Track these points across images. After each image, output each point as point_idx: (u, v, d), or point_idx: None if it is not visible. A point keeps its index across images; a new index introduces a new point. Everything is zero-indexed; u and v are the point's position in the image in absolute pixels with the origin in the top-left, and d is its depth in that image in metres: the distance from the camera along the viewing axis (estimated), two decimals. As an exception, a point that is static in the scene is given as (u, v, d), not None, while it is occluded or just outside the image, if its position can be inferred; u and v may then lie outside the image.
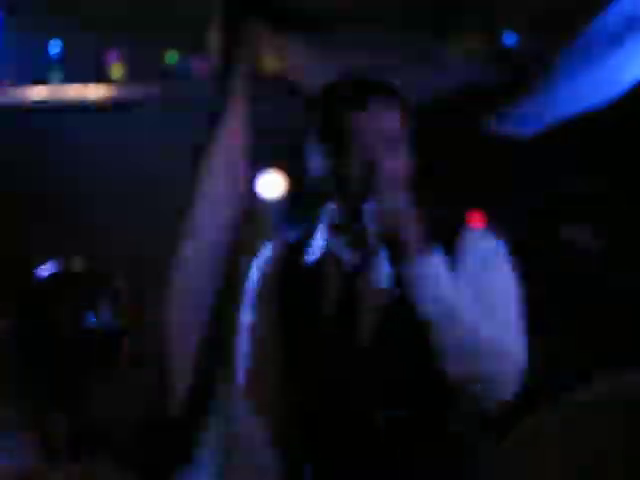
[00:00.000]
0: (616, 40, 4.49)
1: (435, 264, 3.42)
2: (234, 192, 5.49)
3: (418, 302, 3.39)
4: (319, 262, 3.56)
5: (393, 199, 3.37)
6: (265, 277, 3.71)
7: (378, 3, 5.66)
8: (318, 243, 3.58)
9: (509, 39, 5.45)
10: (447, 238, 3.57)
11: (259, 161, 5.75)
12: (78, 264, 5.45)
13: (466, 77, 4.87)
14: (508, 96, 4.73)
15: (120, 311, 5.55)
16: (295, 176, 5.78)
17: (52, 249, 6.46)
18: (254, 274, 3.75)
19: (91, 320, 5.35)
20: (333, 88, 3.53)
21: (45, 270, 5.42)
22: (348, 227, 3.48)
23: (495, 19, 5.52)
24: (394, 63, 5.01)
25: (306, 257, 3.61)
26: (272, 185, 5.71)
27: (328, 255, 3.52)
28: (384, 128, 3.40)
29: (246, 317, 3.76)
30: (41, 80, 6.87)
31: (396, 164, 3.44)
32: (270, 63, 5.55)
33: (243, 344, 3.75)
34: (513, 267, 3.64)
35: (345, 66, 5.20)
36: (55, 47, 6.89)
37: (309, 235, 3.62)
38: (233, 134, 5.47)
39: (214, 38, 5.53)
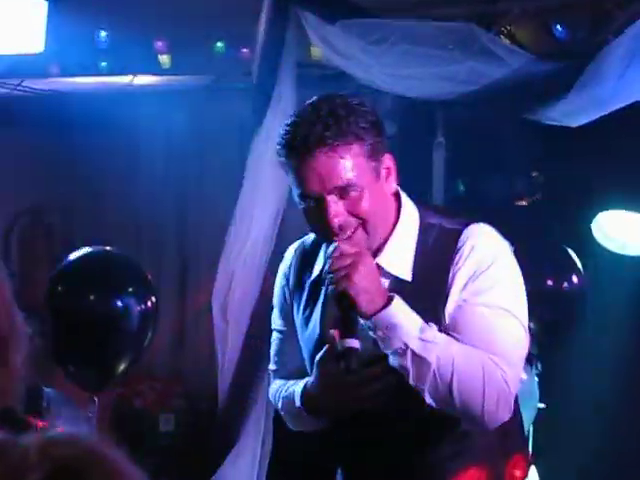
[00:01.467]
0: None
1: (393, 314, 3.44)
2: (280, 176, 5.51)
3: (384, 351, 3.45)
4: (317, 282, 3.66)
5: (343, 249, 3.43)
6: (282, 289, 3.88)
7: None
8: (320, 260, 3.70)
9: (561, 30, 5.44)
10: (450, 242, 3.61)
11: None
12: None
13: (518, 68, 4.87)
14: (559, 88, 4.73)
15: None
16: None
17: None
18: (278, 281, 3.92)
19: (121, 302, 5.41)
20: (288, 132, 3.45)
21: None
22: None
23: (545, 14, 5.53)
24: (448, 53, 5.03)
25: (308, 272, 3.75)
26: None
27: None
28: (332, 175, 3.39)
29: (273, 323, 3.96)
30: (88, 72, 6.92)
31: (353, 208, 3.47)
32: (317, 51, 5.63)
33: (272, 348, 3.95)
34: (512, 274, 3.66)
35: (394, 58, 5.26)
36: (98, 38, 6.94)
37: (318, 246, 3.72)
38: (278, 121, 5.47)
39: (263, 27, 5.52)
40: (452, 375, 3.42)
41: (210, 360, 5.69)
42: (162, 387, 7.32)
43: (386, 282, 3.59)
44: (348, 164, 3.42)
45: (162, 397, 7.12)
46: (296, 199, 3.54)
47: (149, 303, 5.42)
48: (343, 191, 3.43)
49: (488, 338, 3.51)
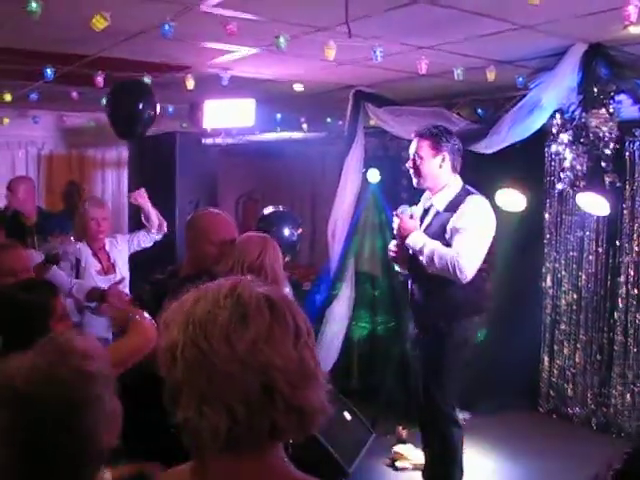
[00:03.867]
0: (529, 110, 4.52)
1: (417, 235, 3.74)
2: (357, 177, 5.65)
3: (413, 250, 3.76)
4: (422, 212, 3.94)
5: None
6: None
7: (424, 96, 5.77)
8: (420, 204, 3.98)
9: (481, 112, 5.50)
10: (457, 202, 3.78)
11: (369, 164, 5.80)
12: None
13: (463, 127, 4.89)
14: (480, 136, 4.78)
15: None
16: (384, 171, 5.87)
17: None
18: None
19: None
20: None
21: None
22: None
23: (475, 104, 5.59)
24: (432, 120, 4.97)
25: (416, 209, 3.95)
26: (373, 175, 5.82)
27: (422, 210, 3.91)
28: (415, 148, 3.82)
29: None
30: (271, 131, 7.02)
31: (417, 164, 3.81)
32: (373, 121, 5.60)
33: None
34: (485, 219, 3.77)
35: (408, 124, 5.14)
36: (276, 117, 7.04)
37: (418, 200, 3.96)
38: (357, 152, 5.59)
39: (349, 110, 5.64)
40: (432, 260, 3.63)
41: (325, 255, 5.76)
42: (304, 269, 7.23)
43: (434, 209, 3.83)
44: (421, 144, 3.83)
45: (304, 274, 6.96)
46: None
47: (299, 230, 5.48)
48: (416, 155, 3.82)
49: (458, 243, 3.63)
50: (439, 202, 3.84)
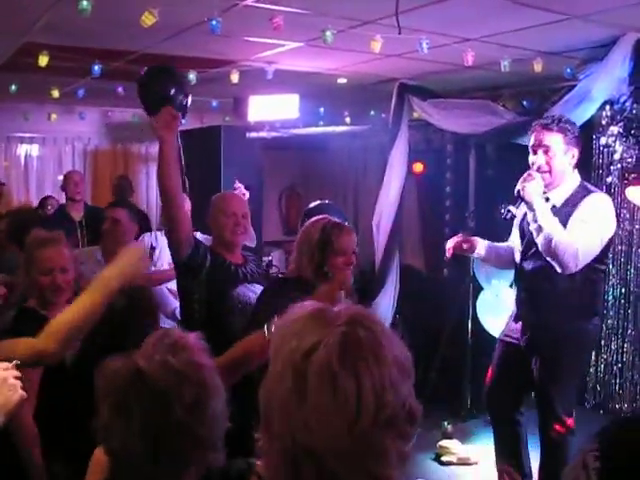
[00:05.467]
0: (578, 101, 4.45)
1: (540, 208, 3.36)
2: (402, 170, 5.61)
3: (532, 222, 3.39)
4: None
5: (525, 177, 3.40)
6: None
7: (468, 88, 5.71)
8: None
9: (526, 103, 5.44)
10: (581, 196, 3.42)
11: (413, 157, 5.73)
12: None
13: (509, 119, 4.84)
14: (526, 128, 4.67)
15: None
16: (427, 164, 5.84)
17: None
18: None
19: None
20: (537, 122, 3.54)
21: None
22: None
23: (520, 95, 5.52)
24: (477, 113, 5.00)
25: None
26: (418, 168, 5.74)
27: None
28: (543, 140, 3.41)
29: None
30: (314, 125, 7.04)
31: (547, 159, 3.41)
32: (417, 113, 5.57)
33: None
34: (604, 217, 3.42)
35: (453, 117, 5.16)
36: (319, 111, 7.02)
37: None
38: (401, 145, 5.54)
39: (393, 103, 5.61)
40: (546, 239, 3.31)
41: (371, 245, 5.64)
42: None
43: (550, 204, 3.41)
44: (552, 138, 3.36)
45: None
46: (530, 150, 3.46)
47: (346, 223, 5.36)
48: (545, 148, 3.38)
49: (579, 233, 3.30)
50: (557, 198, 3.47)
